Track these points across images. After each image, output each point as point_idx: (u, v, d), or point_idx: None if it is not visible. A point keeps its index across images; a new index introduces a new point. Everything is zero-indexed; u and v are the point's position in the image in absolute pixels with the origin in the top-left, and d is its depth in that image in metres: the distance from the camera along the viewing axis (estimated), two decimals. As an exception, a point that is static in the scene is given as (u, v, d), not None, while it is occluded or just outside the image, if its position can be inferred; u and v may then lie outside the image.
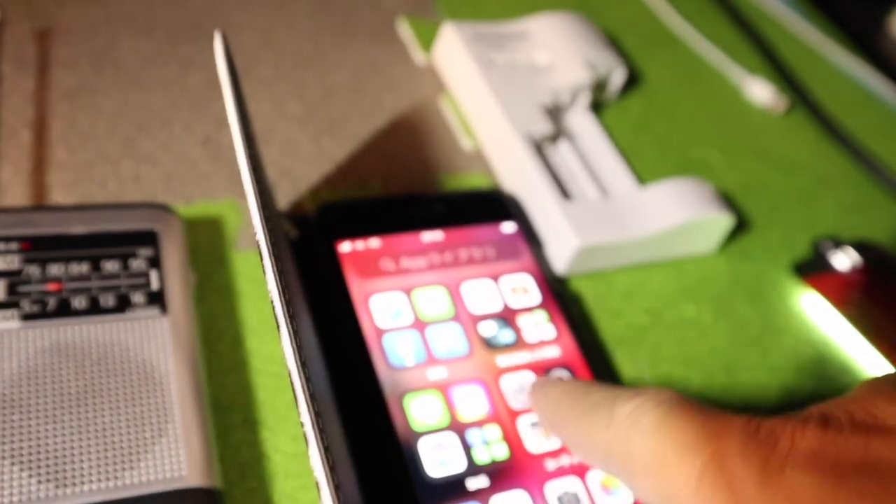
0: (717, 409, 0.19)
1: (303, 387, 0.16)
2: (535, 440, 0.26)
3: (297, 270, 0.28)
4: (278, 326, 0.17)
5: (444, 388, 0.26)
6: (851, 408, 0.18)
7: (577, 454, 0.23)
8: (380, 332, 0.27)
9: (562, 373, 0.28)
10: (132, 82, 0.34)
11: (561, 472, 0.25)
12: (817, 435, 0.17)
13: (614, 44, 0.48)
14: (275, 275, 0.17)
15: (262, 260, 0.18)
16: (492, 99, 0.37)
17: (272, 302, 0.17)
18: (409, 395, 0.26)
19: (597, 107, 0.43)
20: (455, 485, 0.24)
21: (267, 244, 0.18)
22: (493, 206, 0.33)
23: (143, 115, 0.33)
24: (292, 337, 0.17)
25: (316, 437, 0.15)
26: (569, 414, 0.22)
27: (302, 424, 0.16)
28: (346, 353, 0.27)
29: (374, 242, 0.30)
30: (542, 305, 0.30)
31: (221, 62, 0.22)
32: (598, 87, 0.42)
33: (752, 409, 0.31)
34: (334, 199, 0.33)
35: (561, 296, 0.31)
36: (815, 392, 0.33)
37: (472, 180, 0.36)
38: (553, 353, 0.29)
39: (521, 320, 0.29)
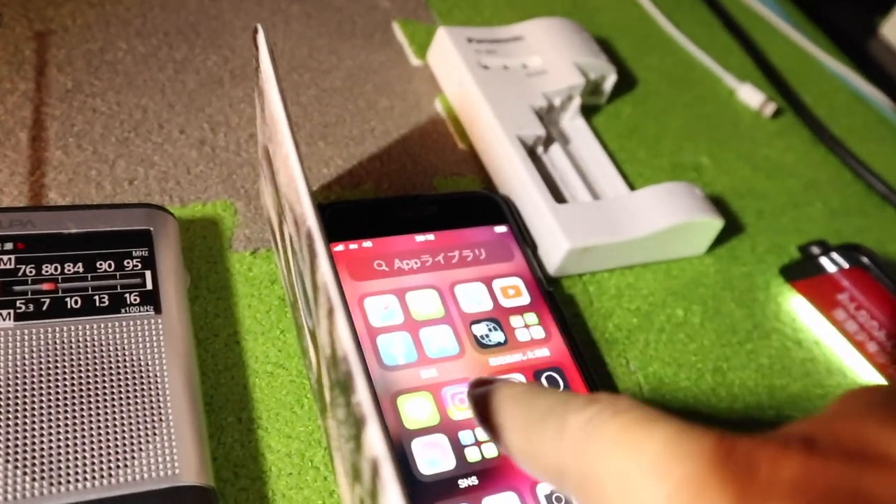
0: (681, 420, 0.17)
1: (361, 366, 0.16)
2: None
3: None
4: (333, 309, 0.17)
5: (435, 388, 0.27)
6: (838, 429, 0.16)
7: (525, 468, 0.20)
8: (373, 333, 0.27)
9: (551, 374, 0.28)
10: (128, 84, 0.34)
11: None
12: (801, 462, 0.15)
13: (606, 48, 0.48)
14: (328, 257, 0.18)
15: (313, 244, 0.18)
16: (484, 102, 0.37)
17: (320, 287, 0.18)
18: (401, 394, 0.26)
19: (588, 111, 0.43)
20: (446, 484, 0.24)
21: (320, 227, 0.18)
22: (485, 207, 0.34)
23: (139, 117, 0.33)
24: (347, 317, 0.17)
25: (377, 413, 0.16)
26: (513, 422, 0.20)
27: (358, 404, 0.16)
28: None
29: (367, 243, 0.30)
30: (533, 307, 0.30)
31: (265, 53, 0.22)
32: (590, 91, 0.43)
33: (739, 410, 0.32)
34: (328, 200, 0.33)
35: (552, 297, 0.31)
36: (802, 393, 0.33)
37: (466, 183, 0.37)
38: (543, 353, 0.29)
39: (512, 321, 0.29)
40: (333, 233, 0.30)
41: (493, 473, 0.25)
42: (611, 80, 0.43)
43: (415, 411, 0.26)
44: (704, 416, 0.31)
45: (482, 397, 0.21)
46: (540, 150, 0.38)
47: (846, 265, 0.36)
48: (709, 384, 0.32)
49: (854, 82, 0.56)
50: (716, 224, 0.36)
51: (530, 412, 0.19)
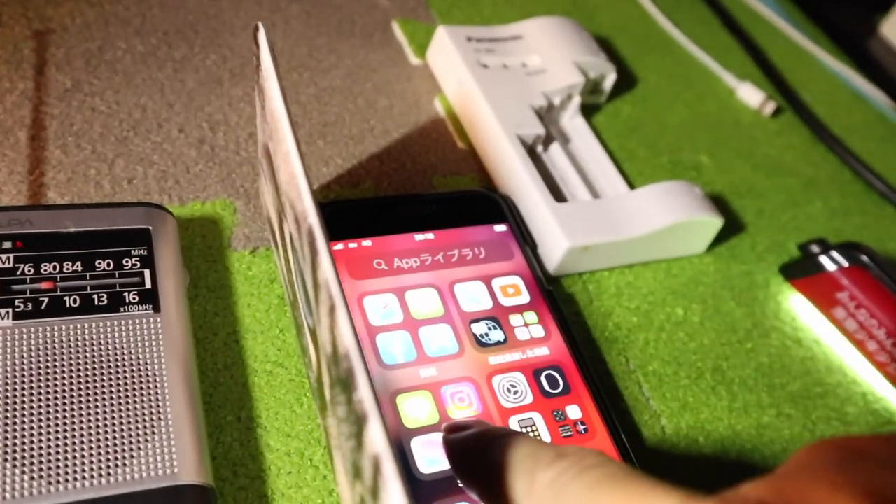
0: (647, 479, 0.17)
1: (362, 363, 0.17)
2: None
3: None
4: (335, 306, 0.17)
5: (435, 387, 0.27)
6: (792, 494, 0.16)
7: None
8: (372, 332, 0.27)
9: (552, 372, 0.28)
10: (127, 83, 0.34)
11: None
12: None
13: (606, 47, 0.48)
14: (329, 255, 0.18)
15: (315, 241, 0.18)
16: (484, 101, 0.37)
17: (321, 285, 0.18)
18: (401, 393, 0.26)
19: (588, 109, 0.43)
20: (446, 482, 0.24)
21: (321, 224, 0.18)
22: (484, 206, 0.34)
23: (138, 116, 0.33)
24: (348, 315, 0.17)
25: (379, 411, 0.16)
26: (484, 473, 0.20)
27: (359, 402, 0.16)
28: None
29: (367, 242, 0.30)
30: (533, 306, 0.30)
31: (266, 51, 0.22)
32: (590, 90, 0.43)
33: (739, 408, 0.31)
34: (327, 199, 0.33)
35: (551, 296, 0.31)
36: (802, 391, 0.33)
37: (465, 182, 0.36)
38: (543, 352, 0.29)
39: (512, 320, 0.29)
40: (333, 231, 0.30)
41: None
42: (610, 79, 0.43)
43: (414, 410, 0.26)
44: (704, 415, 0.31)
45: (456, 444, 0.22)
46: (539, 149, 0.38)
47: (846, 263, 0.35)
48: (708, 383, 0.32)
49: (854, 81, 0.56)
50: (715, 223, 0.36)
51: (502, 464, 0.19)
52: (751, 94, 0.49)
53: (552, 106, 0.40)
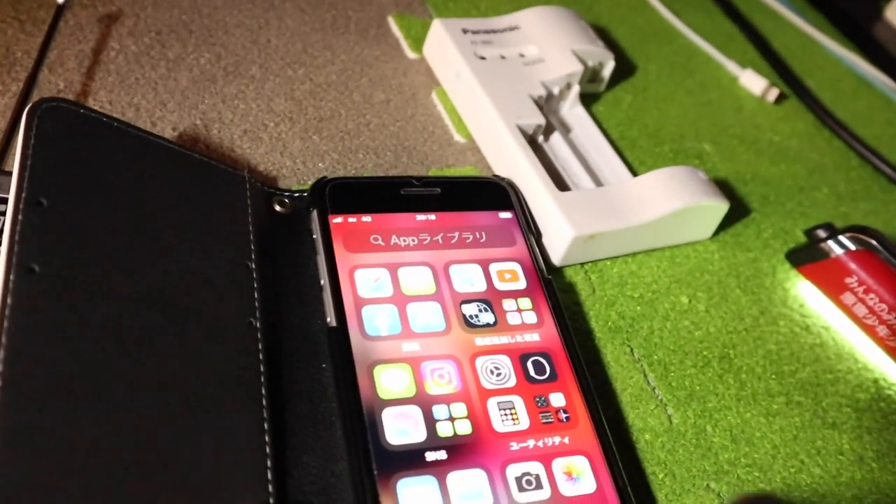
0: None
1: None
2: (502, 421, 0.26)
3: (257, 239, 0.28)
4: None
5: (415, 362, 0.26)
6: None
7: None
8: (360, 303, 0.27)
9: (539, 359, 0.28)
10: (120, 83, 0.34)
11: (524, 454, 0.25)
12: None
13: (604, 37, 0.48)
14: None
15: None
16: (482, 93, 0.36)
17: None
18: (379, 364, 0.26)
19: (588, 99, 0.42)
20: (413, 455, 0.24)
21: None
22: (492, 193, 0.33)
23: (132, 115, 0.33)
24: None
25: None
26: None
27: None
28: (323, 320, 0.27)
29: (366, 218, 0.30)
30: (528, 292, 0.30)
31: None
32: (589, 79, 0.42)
33: (747, 396, 0.31)
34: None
35: (550, 284, 0.30)
36: (812, 379, 0.33)
37: (464, 174, 0.36)
38: (533, 338, 0.28)
39: (505, 304, 0.29)
40: (334, 205, 0.30)
41: (464, 450, 0.25)
42: (609, 67, 0.42)
43: (391, 382, 0.26)
44: (711, 404, 0.30)
45: None
46: (540, 139, 0.38)
47: (853, 248, 0.35)
48: (715, 371, 0.32)
49: (858, 66, 0.55)
50: (722, 207, 0.36)
51: None
52: (754, 82, 0.48)
53: (551, 95, 0.39)
